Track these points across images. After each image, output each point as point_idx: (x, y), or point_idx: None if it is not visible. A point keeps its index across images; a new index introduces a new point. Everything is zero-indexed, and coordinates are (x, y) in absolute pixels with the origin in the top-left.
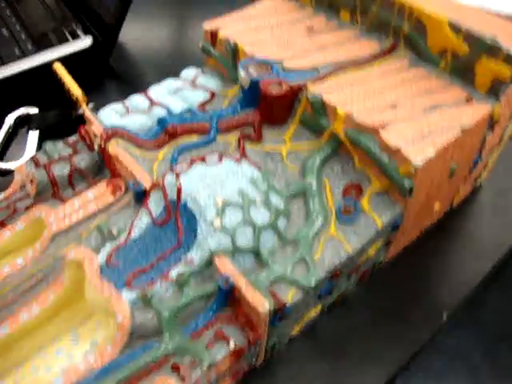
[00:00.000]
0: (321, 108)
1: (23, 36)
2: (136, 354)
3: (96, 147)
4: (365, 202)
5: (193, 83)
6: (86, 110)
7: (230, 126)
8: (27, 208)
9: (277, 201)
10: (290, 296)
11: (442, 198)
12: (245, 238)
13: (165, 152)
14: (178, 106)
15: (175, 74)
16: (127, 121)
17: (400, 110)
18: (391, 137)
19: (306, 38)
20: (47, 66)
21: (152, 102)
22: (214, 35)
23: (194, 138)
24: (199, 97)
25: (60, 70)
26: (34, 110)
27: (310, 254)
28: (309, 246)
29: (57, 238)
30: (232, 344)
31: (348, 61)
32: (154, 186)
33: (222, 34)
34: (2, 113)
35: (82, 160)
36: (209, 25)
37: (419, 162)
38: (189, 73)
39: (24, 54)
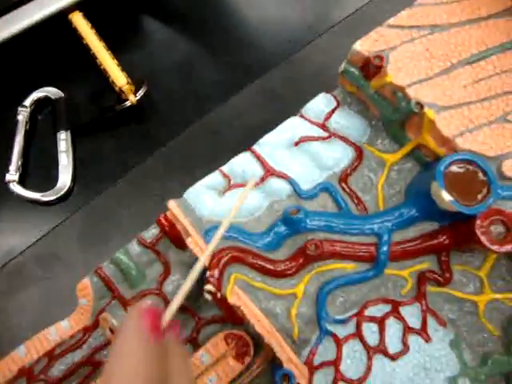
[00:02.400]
0: None
1: None
2: None
3: (207, 292)
4: None
5: (324, 127)
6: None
7: (405, 252)
8: None
9: None
10: None
11: None
12: None
13: (305, 285)
14: (304, 174)
15: None
16: (230, 203)
17: None
18: None
19: None
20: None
21: (266, 169)
22: (371, 64)
23: (349, 266)
24: (338, 157)
25: (82, 27)
26: (56, 93)
27: None
28: None
29: None
30: None
31: None
32: None
33: (391, 77)
34: (8, 97)
35: (178, 286)
36: (365, 44)
37: None
38: (318, 106)
39: None
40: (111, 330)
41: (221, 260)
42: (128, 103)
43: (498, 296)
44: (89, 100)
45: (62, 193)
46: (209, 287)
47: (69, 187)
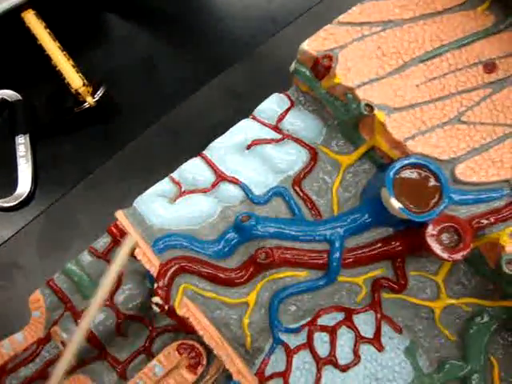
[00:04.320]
0: None
1: None
2: None
3: (155, 304)
4: None
5: (277, 128)
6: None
7: (358, 259)
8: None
9: None
10: None
11: None
12: None
13: (257, 293)
14: (257, 179)
15: None
16: (181, 210)
17: None
18: None
19: (487, 100)
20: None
21: (217, 174)
22: (319, 64)
23: (301, 274)
24: (292, 159)
25: (35, 27)
26: (12, 95)
27: None
28: None
29: None
30: None
31: None
32: None
33: (340, 78)
34: None
35: (130, 297)
36: (313, 43)
37: None
38: (271, 107)
39: None
40: (62, 343)
41: (168, 271)
42: (86, 105)
43: (453, 301)
44: (47, 102)
45: (22, 198)
46: (156, 299)
47: (29, 192)
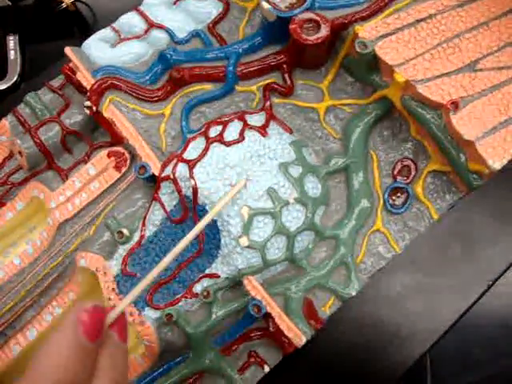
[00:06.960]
0: (372, 62)
1: None
2: (169, 369)
3: (86, 107)
4: (419, 186)
5: None
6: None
7: (252, 71)
8: (23, 181)
9: (313, 186)
10: (327, 306)
11: None
12: (277, 250)
13: (172, 106)
14: (181, 27)
15: None
16: (120, 52)
17: (482, 75)
18: (464, 122)
19: None
20: None
21: (148, 23)
22: None
23: (207, 86)
24: (209, 11)
25: None
26: (3, 1)
27: (351, 256)
28: (350, 246)
29: (63, 228)
30: (267, 368)
31: None
32: (164, 178)
33: None
34: None
35: (74, 117)
36: None
37: (497, 165)
38: None
39: None
40: (20, 153)
41: (101, 85)
42: (64, 5)
43: (335, 102)
44: (33, 6)
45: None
46: (87, 103)
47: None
